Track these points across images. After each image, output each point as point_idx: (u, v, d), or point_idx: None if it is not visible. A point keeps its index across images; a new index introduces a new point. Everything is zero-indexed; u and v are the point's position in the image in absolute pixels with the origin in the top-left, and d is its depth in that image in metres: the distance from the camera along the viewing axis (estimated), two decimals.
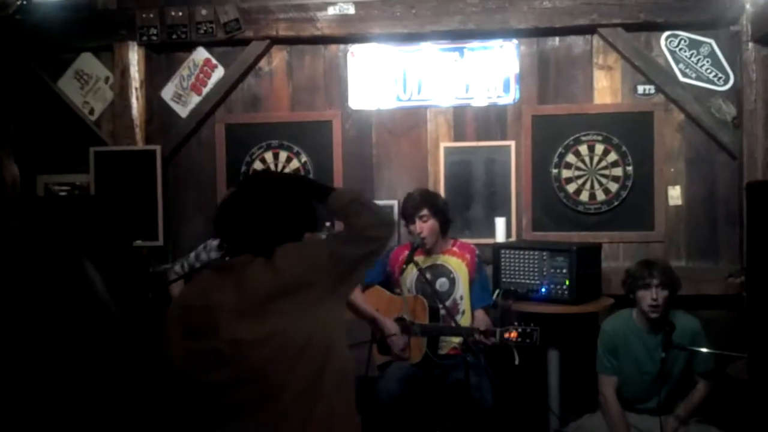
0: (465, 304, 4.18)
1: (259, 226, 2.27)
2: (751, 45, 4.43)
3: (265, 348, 2.14)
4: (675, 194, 4.80)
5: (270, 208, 2.30)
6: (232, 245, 2.30)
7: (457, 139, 5.02)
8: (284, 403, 2.15)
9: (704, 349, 3.68)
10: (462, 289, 4.19)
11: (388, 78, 5.05)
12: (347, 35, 4.99)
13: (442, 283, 4.16)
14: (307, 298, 2.19)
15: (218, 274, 2.27)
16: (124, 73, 5.10)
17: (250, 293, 2.18)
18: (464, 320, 4.15)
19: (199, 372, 2.19)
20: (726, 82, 4.68)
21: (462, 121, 5.02)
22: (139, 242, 4.94)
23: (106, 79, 5.23)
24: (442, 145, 5.00)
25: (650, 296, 3.74)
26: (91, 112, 5.28)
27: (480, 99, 4.97)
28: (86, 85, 5.27)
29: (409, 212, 4.16)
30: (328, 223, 4.39)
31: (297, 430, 2.15)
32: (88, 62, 5.26)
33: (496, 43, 4.94)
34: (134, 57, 5.10)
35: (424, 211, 4.12)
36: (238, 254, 2.26)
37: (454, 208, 4.52)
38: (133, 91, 5.11)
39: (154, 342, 2.33)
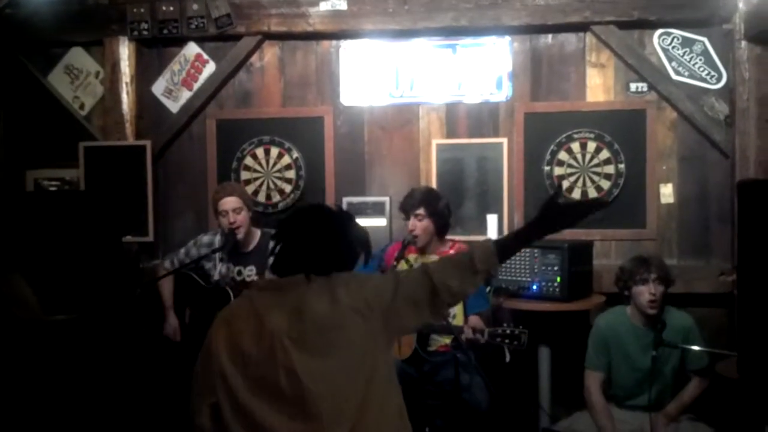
0: (456, 308, 4.15)
1: (322, 249, 2.27)
2: (743, 43, 4.43)
3: (321, 385, 2.11)
4: (667, 192, 4.79)
5: (336, 233, 2.30)
6: (289, 263, 2.27)
7: (449, 136, 5.00)
8: None
9: (695, 347, 3.68)
10: None
11: (380, 74, 5.03)
12: (339, 31, 4.97)
13: None
14: (361, 331, 2.17)
15: (270, 294, 2.24)
16: (115, 67, 5.07)
17: (308, 323, 2.15)
18: (456, 323, 4.12)
19: (249, 397, 2.14)
20: (719, 80, 4.68)
21: (454, 118, 5.01)
22: (129, 238, 4.92)
23: (97, 74, 5.20)
24: (435, 142, 4.99)
25: (648, 291, 3.73)
26: (82, 106, 5.25)
27: (472, 96, 4.96)
28: (76, 79, 5.24)
29: (406, 208, 4.14)
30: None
31: None
32: (78, 57, 5.23)
33: (489, 40, 4.93)
34: (125, 52, 5.07)
35: (421, 210, 4.10)
36: (290, 273, 2.24)
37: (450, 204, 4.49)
38: (124, 86, 5.07)
39: (139, 337, 2.31)
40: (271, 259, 2.40)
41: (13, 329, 1.57)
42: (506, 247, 2.31)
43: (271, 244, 2.37)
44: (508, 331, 3.71)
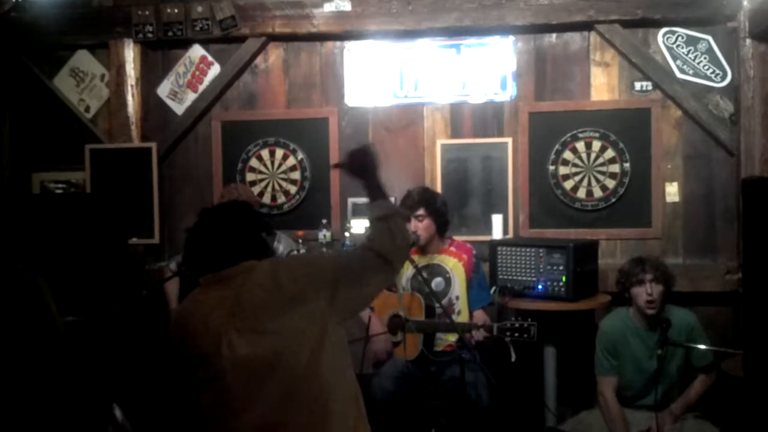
0: (461, 305, 4.16)
1: (228, 246, 2.33)
2: (748, 41, 4.42)
3: (264, 364, 2.17)
4: (672, 191, 4.79)
5: (226, 231, 2.38)
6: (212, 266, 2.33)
7: (454, 136, 5.00)
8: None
9: (701, 346, 3.68)
10: (458, 289, 4.17)
11: (384, 75, 5.04)
12: (343, 32, 4.98)
13: (438, 283, 4.14)
14: (307, 311, 2.21)
15: (212, 289, 2.29)
16: (120, 70, 5.09)
17: (249, 311, 2.20)
18: (461, 320, 4.13)
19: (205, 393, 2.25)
20: (723, 78, 4.67)
21: (459, 118, 5.01)
22: (134, 240, 4.93)
23: (102, 77, 5.22)
24: (439, 142, 4.99)
25: (645, 292, 3.73)
26: (87, 109, 5.27)
27: (477, 96, 4.96)
28: (82, 82, 5.26)
29: (406, 210, 4.15)
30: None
31: None
32: (83, 59, 5.25)
33: (493, 40, 4.93)
34: (130, 54, 5.09)
35: (421, 211, 4.11)
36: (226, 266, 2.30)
37: (451, 206, 4.49)
38: (129, 88, 5.09)
39: (145, 338, 2.34)
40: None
41: (51, 336, 1.58)
42: (372, 194, 2.50)
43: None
44: (516, 325, 3.72)
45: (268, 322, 2.19)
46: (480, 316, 4.15)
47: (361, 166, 2.55)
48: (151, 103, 5.23)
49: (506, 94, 4.93)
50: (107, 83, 5.18)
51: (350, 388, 2.30)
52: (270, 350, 2.17)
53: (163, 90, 5.21)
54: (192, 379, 2.30)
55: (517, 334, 3.71)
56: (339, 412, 2.21)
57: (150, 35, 5.04)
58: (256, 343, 2.17)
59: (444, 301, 4.11)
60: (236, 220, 2.41)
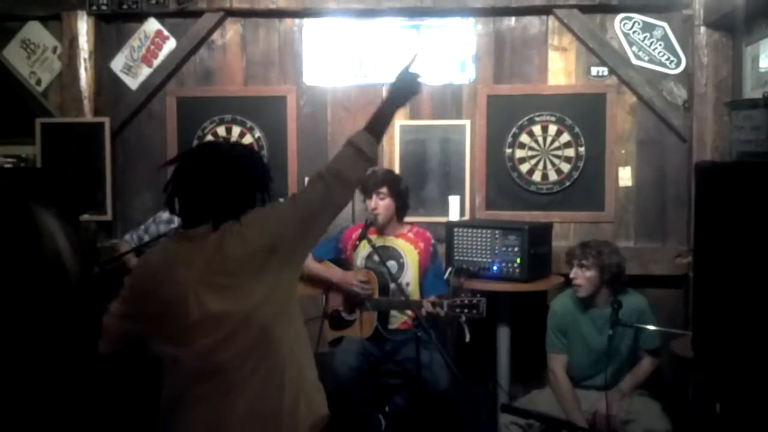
0: (411, 290, 4.17)
1: (218, 194, 2.29)
2: (703, 29, 4.49)
3: (229, 324, 2.21)
4: (625, 176, 4.86)
5: (226, 175, 2.31)
6: (192, 215, 2.32)
7: (412, 117, 5.00)
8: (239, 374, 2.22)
9: (651, 327, 3.77)
10: (410, 275, 4.20)
11: (344, 54, 5.00)
12: (303, 9, 4.93)
13: (390, 266, 4.14)
14: (274, 264, 2.26)
15: (183, 245, 2.30)
16: (73, 43, 4.96)
17: (220, 268, 2.23)
18: None
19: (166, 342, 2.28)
20: (678, 65, 4.75)
21: (418, 99, 4.95)
22: (86, 216, 4.84)
23: (54, 49, 5.08)
24: (398, 123, 4.98)
25: (571, 274, 3.91)
26: (38, 82, 5.13)
27: (436, 77, 4.96)
28: (33, 54, 5.12)
29: (368, 188, 4.17)
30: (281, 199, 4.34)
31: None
32: (35, 31, 5.11)
33: (453, 22, 4.93)
34: (83, 27, 4.97)
35: (383, 189, 4.14)
36: (197, 224, 2.29)
37: (409, 187, 4.51)
38: (82, 61, 4.97)
39: (98, 316, 2.31)
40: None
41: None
42: (376, 127, 2.46)
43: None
44: (466, 301, 3.78)
45: (240, 280, 2.23)
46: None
47: (406, 94, 2.58)
48: (104, 78, 5.11)
49: (465, 76, 4.94)
50: (59, 56, 5.05)
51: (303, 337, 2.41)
52: (242, 308, 2.21)
53: (117, 64, 5.10)
54: (144, 324, 2.33)
55: (467, 310, 3.75)
56: (291, 360, 2.29)
57: (104, 8, 4.92)
58: (227, 301, 2.21)
59: (395, 286, 4.13)
60: (244, 174, 2.35)
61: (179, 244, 2.32)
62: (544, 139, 4.88)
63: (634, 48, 4.78)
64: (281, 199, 2.56)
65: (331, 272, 4.17)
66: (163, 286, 2.26)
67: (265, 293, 2.25)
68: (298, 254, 2.40)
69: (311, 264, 4.09)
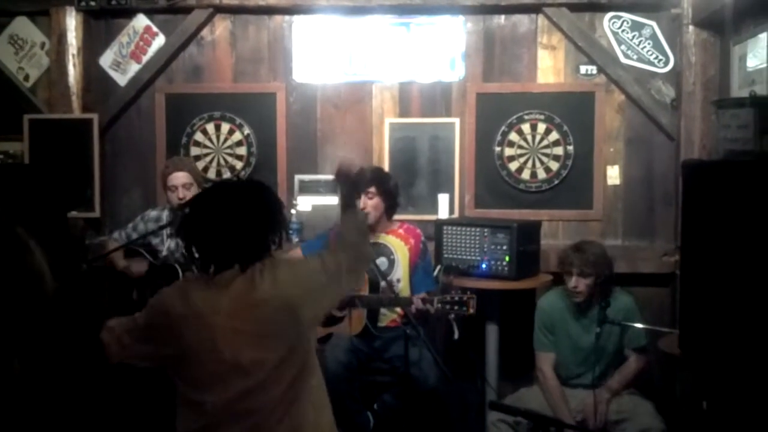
0: (401, 287, 4.17)
1: (242, 236, 2.27)
2: (691, 28, 4.50)
3: (262, 371, 2.23)
4: (614, 174, 4.88)
5: (248, 215, 2.29)
6: (215, 260, 2.28)
7: (402, 115, 5.00)
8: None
9: (638, 324, 3.79)
10: (400, 272, 4.20)
11: (333, 51, 5.00)
12: (292, 6, 4.92)
13: (381, 263, 4.14)
14: (302, 314, 2.28)
15: (208, 291, 2.27)
16: (61, 38, 4.94)
17: (248, 311, 2.23)
18: None
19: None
20: (666, 64, 4.77)
21: (407, 97, 5.01)
22: (74, 213, 4.82)
23: (42, 45, 5.05)
24: (387, 120, 4.98)
25: (570, 284, 3.88)
26: (26, 78, 5.10)
27: (426, 75, 4.96)
28: (21, 50, 5.09)
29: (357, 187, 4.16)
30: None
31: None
32: (23, 26, 5.07)
33: (443, 20, 4.93)
34: (72, 22, 4.94)
35: (372, 188, 4.14)
36: (221, 269, 2.26)
37: (399, 184, 4.51)
38: (71, 57, 4.95)
39: (86, 312, 2.30)
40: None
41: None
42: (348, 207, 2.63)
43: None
44: (456, 298, 3.78)
45: (270, 327, 2.23)
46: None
47: (355, 182, 2.74)
48: (92, 74, 5.09)
49: (455, 74, 4.95)
50: (47, 52, 5.02)
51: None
52: (274, 355, 2.22)
53: (106, 60, 5.08)
54: (161, 361, 2.33)
55: (456, 307, 3.76)
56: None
57: (93, 3, 4.90)
58: (260, 348, 2.22)
59: (384, 283, 4.13)
60: (264, 212, 2.34)
61: (205, 290, 2.27)
62: (533, 137, 4.89)
63: (623, 47, 4.79)
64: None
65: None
66: (189, 332, 2.23)
67: (293, 342, 2.26)
68: (323, 307, 2.47)
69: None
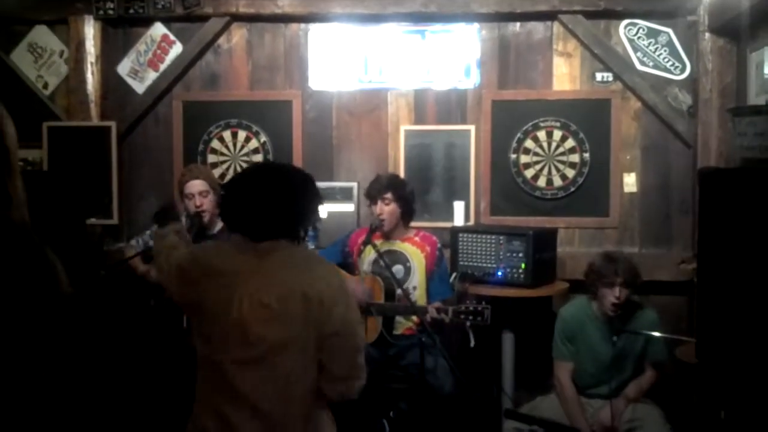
0: (418, 295, 4.16)
1: (288, 210, 2.41)
2: (707, 35, 4.49)
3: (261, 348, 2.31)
4: (630, 181, 4.86)
5: (297, 192, 2.46)
6: (258, 229, 2.38)
7: (417, 122, 5.01)
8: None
9: (656, 333, 3.75)
10: (417, 279, 4.19)
11: (349, 59, 5.02)
12: (308, 14, 4.95)
13: (397, 270, 4.14)
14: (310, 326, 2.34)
15: (246, 256, 2.37)
16: (80, 47, 4.99)
17: (270, 287, 2.31)
18: None
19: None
20: (682, 71, 4.75)
21: (423, 104, 5.02)
22: (92, 220, 4.86)
23: (61, 53, 5.11)
24: (403, 128, 4.99)
25: (613, 295, 3.75)
26: (45, 86, 5.16)
27: (441, 83, 4.97)
28: (40, 58, 5.15)
29: (373, 193, 4.18)
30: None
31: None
32: (42, 35, 5.14)
33: (458, 27, 4.94)
34: (90, 31, 5.00)
35: (388, 195, 4.14)
36: (262, 238, 2.37)
37: (414, 191, 4.51)
38: (89, 65, 5.00)
39: (104, 319, 2.35)
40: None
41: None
42: None
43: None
44: (471, 308, 3.77)
45: (282, 307, 2.29)
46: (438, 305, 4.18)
47: None
48: (110, 82, 5.14)
49: (470, 81, 4.95)
50: (66, 60, 5.08)
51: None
52: (277, 335, 2.29)
53: (124, 68, 5.12)
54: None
55: (471, 317, 3.76)
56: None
57: (111, 12, 4.95)
58: (267, 325, 2.29)
59: (400, 291, 4.13)
60: (304, 192, 2.48)
61: (243, 253, 2.38)
62: (549, 144, 4.88)
63: (639, 54, 4.78)
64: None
65: None
66: (210, 286, 2.34)
67: (294, 340, 2.31)
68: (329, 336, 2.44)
69: None
